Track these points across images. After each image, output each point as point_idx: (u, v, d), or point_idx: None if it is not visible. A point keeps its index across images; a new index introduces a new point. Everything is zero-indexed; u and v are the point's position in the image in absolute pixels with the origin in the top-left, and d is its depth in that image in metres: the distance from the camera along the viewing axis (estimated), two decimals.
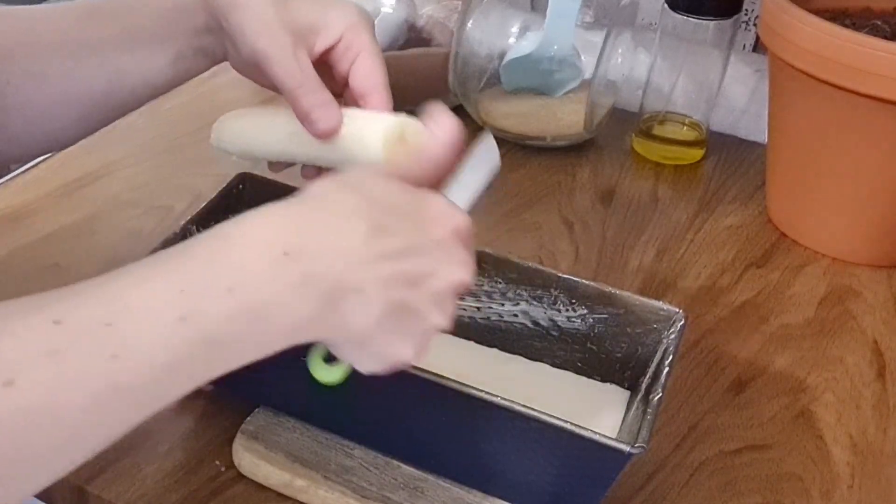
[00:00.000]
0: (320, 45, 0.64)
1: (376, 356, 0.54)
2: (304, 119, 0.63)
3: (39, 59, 0.65)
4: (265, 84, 0.66)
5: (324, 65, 0.65)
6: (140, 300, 0.45)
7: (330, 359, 0.59)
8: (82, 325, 0.44)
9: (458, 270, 0.54)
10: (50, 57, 0.66)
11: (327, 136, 0.63)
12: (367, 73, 0.65)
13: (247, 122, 0.68)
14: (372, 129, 0.62)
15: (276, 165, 0.70)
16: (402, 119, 0.63)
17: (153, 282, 0.46)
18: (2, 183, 0.96)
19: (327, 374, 0.59)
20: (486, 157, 0.61)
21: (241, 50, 0.64)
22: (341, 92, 0.66)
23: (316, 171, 0.67)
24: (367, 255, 0.50)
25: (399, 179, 0.55)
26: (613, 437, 0.61)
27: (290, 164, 0.69)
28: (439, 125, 0.58)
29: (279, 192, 0.76)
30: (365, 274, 0.50)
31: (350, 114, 0.64)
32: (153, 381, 0.46)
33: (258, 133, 0.67)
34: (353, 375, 0.64)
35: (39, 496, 0.69)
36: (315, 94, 0.62)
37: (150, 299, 0.46)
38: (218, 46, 0.67)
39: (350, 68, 0.65)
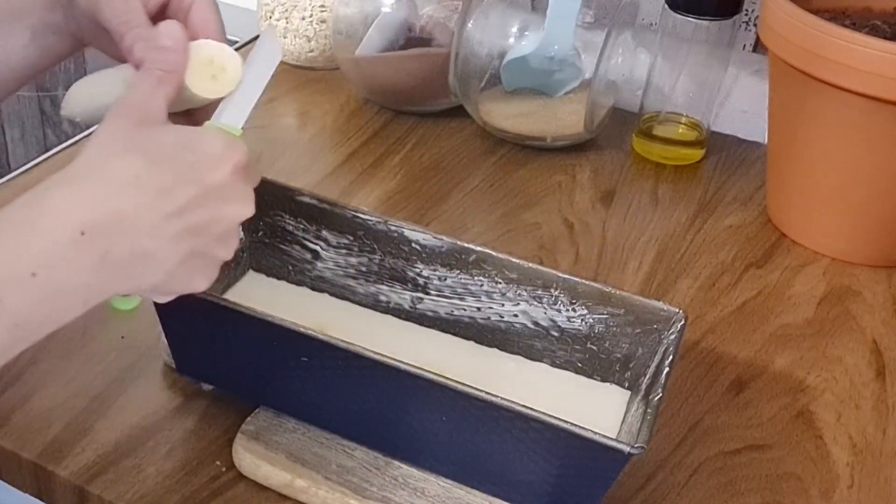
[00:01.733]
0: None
1: (170, 294, 0.59)
2: (128, 55, 0.62)
3: None
4: (114, 54, 0.66)
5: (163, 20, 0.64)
6: None
7: None
8: None
9: (239, 208, 0.57)
10: None
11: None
12: (201, 16, 0.64)
13: (89, 83, 0.69)
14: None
15: None
16: (213, 45, 0.62)
17: None
18: (2, 183, 0.96)
19: (124, 303, 0.63)
20: (264, 57, 0.63)
21: (79, 7, 0.64)
22: None
23: None
24: (153, 220, 0.53)
25: (167, 123, 0.57)
26: (613, 437, 0.61)
27: None
28: (167, 34, 0.60)
29: (278, 192, 0.77)
30: (156, 239, 0.53)
31: None
32: None
33: (98, 89, 0.67)
34: (357, 378, 0.65)
35: (40, 497, 0.69)
36: (139, 29, 0.62)
37: None
38: (70, 21, 0.67)
39: (186, 18, 0.65)
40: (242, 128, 0.61)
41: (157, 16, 0.64)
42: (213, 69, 0.62)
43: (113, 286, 0.54)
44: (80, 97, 0.68)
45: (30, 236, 0.51)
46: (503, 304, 0.74)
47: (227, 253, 0.58)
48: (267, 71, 0.63)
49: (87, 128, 0.69)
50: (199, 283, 0.58)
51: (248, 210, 0.58)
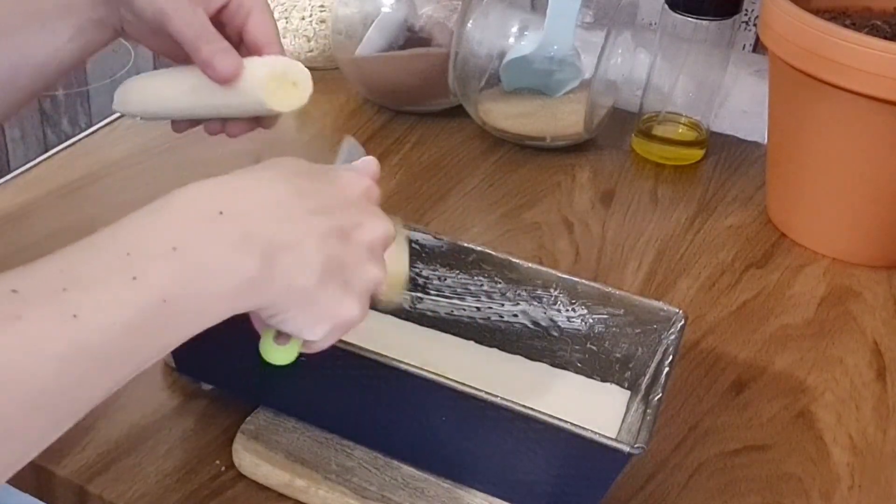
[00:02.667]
0: (215, 4, 0.67)
1: (324, 317, 0.55)
2: (205, 66, 0.65)
3: None
4: (160, 49, 0.69)
5: (217, 24, 0.67)
6: (89, 266, 0.48)
7: (280, 340, 0.60)
8: (39, 291, 0.46)
9: (381, 222, 0.58)
10: None
11: (229, 79, 0.65)
12: (261, 27, 0.68)
13: (149, 82, 0.70)
14: (260, 72, 0.65)
15: (179, 125, 0.72)
16: (286, 61, 0.66)
17: (99, 249, 0.49)
18: (2, 183, 0.96)
19: (280, 356, 0.59)
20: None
21: (140, 14, 0.66)
22: (236, 48, 0.68)
23: (220, 125, 0.70)
24: (297, 213, 0.53)
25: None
26: (613, 437, 0.61)
27: (193, 124, 0.71)
28: (367, 164, 0.65)
29: None
30: (298, 229, 0.53)
31: (246, 62, 0.66)
32: (114, 341, 0.47)
33: (161, 91, 0.69)
34: (357, 377, 0.65)
35: (40, 497, 0.69)
36: (214, 42, 0.65)
37: (99, 264, 0.48)
38: (114, 16, 0.69)
39: (244, 24, 0.68)
40: None
41: (213, 19, 0.66)
42: (287, 84, 0.65)
43: (260, 275, 0.51)
44: (138, 93, 0.69)
45: (166, 216, 0.50)
46: (503, 304, 0.74)
47: (377, 271, 0.56)
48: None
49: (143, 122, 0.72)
50: (350, 304, 0.55)
51: (390, 227, 0.58)
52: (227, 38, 0.67)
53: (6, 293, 0.45)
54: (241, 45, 0.68)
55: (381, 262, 0.57)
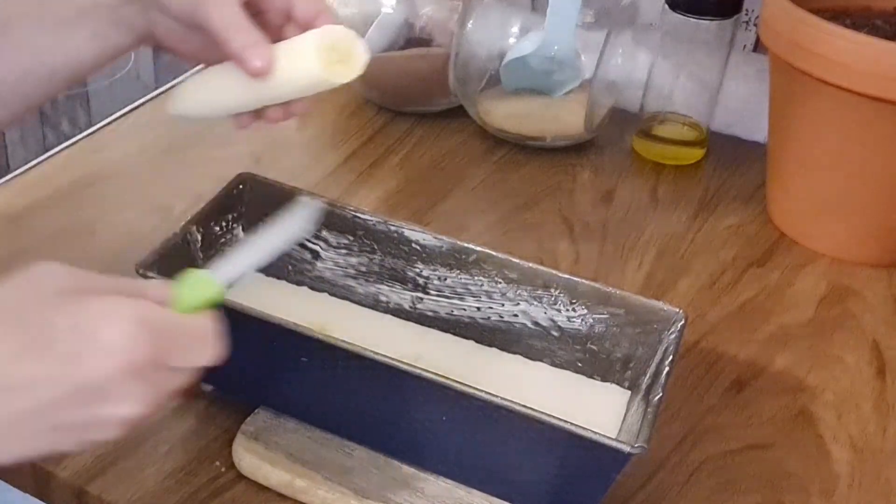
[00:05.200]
0: None
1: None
2: (238, 60, 0.62)
3: None
4: (190, 51, 0.67)
5: (258, 14, 0.65)
6: None
7: None
8: None
9: (122, 408, 0.49)
10: None
11: (262, 73, 0.62)
12: (308, 6, 0.65)
13: (205, 82, 0.68)
14: (302, 46, 0.63)
15: (241, 119, 0.68)
16: (330, 28, 0.63)
17: None
18: (2, 183, 0.96)
19: None
20: (290, 227, 0.59)
21: (170, 7, 0.63)
22: (276, 39, 0.65)
23: (280, 111, 0.67)
24: (3, 417, 0.48)
25: (88, 296, 0.50)
26: (613, 436, 0.61)
27: (256, 116, 0.68)
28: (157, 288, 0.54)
29: (278, 192, 0.77)
30: (5, 435, 0.49)
31: (282, 46, 0.64)
32: None
33: (220, 90, 0.67)
34: (357, 378, 0.65)
35: (40, 498, 0.69)
36: (246, 34, 0.62)
37: None
38: (139, 17, 0.66)
39: (288, 3, 0.65)
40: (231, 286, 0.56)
41: (252, 4, 0.64)
42: (339, 54, 0.62)
43: None
44: (198, 95, 0.68)
45: None
46: (503, 304, 0.74)
47: (113, 434, 0.51)
48: (284, 242, 0.59)
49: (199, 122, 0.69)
50: (65, 449, 0.51)
51: (134, 410, 0.49)
52: (271, 22, 0.65)
53: None
54: (290, 23, 0.65)
55: (119, 431, 0.50)
